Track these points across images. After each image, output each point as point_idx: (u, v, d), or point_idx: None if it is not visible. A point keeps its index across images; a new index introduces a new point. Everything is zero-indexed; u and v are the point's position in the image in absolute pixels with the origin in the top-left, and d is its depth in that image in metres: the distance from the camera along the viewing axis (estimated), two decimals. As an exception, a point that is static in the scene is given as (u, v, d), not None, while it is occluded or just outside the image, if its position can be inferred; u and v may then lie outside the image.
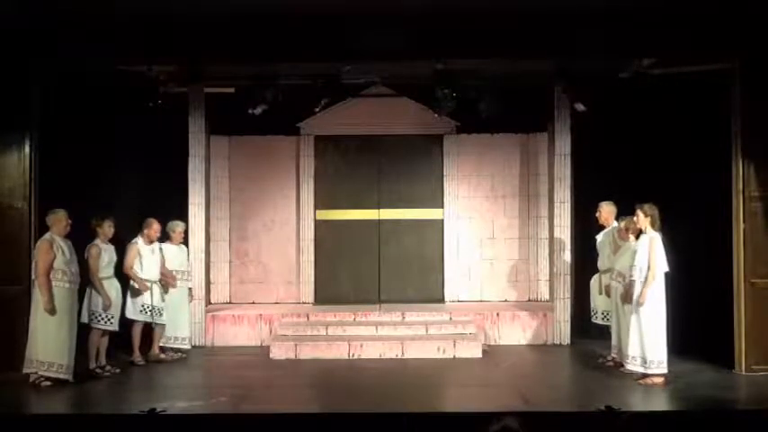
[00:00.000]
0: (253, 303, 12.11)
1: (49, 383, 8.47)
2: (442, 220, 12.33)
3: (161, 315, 9.85)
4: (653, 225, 8.58)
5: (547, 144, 11.89)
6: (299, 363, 9.90)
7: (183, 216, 10.75)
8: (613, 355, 9.46)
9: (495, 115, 10.28)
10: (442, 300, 12.13)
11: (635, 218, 8.74)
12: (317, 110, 11.01)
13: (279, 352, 10.17)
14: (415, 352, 10.17)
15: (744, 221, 9.11)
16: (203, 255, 11.24)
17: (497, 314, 11.10)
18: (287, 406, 8.05)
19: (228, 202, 12.35)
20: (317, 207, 12.31)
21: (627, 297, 8.76)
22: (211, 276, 11.99)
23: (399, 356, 10.21)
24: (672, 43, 9.05)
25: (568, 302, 11.05)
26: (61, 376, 8.49)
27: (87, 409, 8.04)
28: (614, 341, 9.43)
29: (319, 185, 12.35)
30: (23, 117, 9.11)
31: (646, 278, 8.43)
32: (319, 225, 12.31)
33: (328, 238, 12.32)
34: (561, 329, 10.99)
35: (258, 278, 12.30)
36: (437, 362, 9.83)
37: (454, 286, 12.28)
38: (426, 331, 10.64)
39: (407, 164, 12.36)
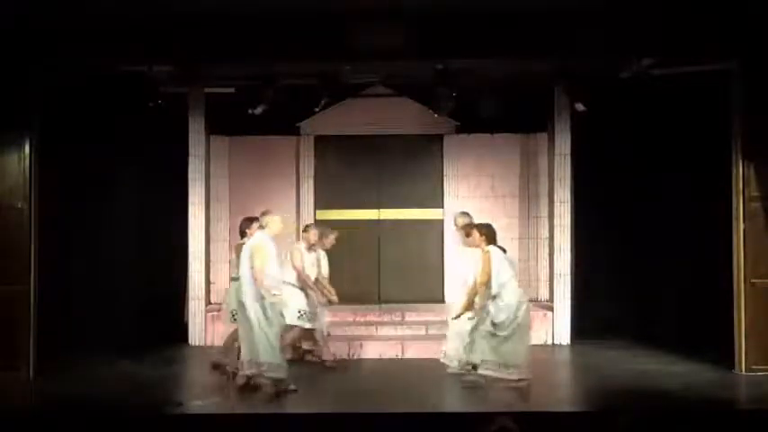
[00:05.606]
0: (253, 303, 12.07)
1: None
2: (442, 220, 12.27)
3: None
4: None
5: (547, 144, 11.88)
6: (299, 363, 9.89)
7: (183, 216, 10.74)
8: None
9: (495, 115, 10.28)
10: (441, 300, 12.08)
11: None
12: (317, 110, 11.00)
13: (279, 352, 10.15)
14: (415, 352, 10.18)
15: (744, 221, 9.11)
16: (203, 255, 11.25)
17: (497, 314, 11.09)
18: (286, 406, 8.05)
19: (228, 202, 12.32)
20: (317, 207, 12.30)
21: None
22: (211, 276, 11.97)
23: (399, 356, 10.21)
24: (672, 43, 9.05)
25: (568, 302, 11.05)
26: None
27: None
28: None
29: (319, 185, 12.33)
30: (23, 117, 9.09)
31: None
32: (319, 225, 12.27)
33: (328, 238, 12.30)
34: (561, 329, 10.99)
35: (258, 278, 12.24)
36: (437, 362, 9.80)
37: (454, 286, 12.25)
38: (426, 331, 10.65)
39: (407, 164, 12.34)
